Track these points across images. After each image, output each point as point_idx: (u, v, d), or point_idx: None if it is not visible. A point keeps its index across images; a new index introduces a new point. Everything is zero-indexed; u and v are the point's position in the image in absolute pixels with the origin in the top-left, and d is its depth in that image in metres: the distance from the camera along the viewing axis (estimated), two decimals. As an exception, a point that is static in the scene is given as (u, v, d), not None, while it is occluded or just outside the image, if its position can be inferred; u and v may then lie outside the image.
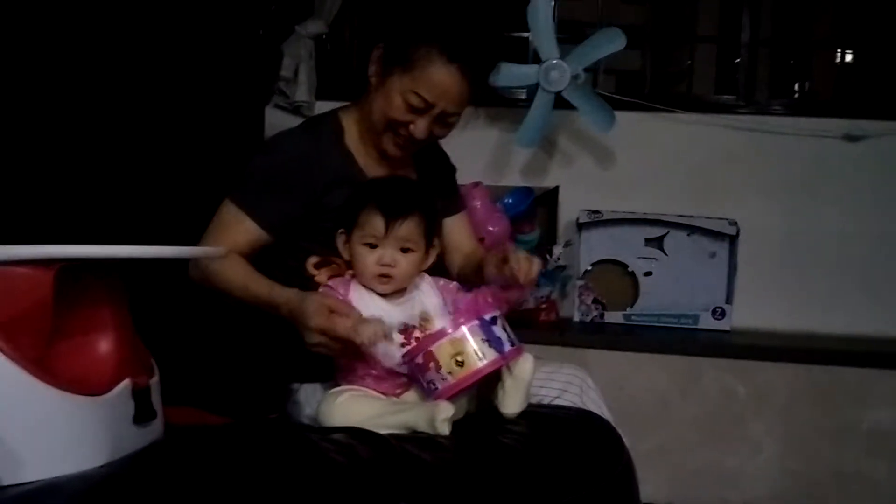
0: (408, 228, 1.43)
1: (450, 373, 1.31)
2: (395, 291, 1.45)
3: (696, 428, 2.47)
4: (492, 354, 1.33)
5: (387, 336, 1.34)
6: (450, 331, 1.33)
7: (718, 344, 2.56)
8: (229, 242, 1.53)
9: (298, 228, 1.59)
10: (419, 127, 1.57)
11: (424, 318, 1.44)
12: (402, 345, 1.40)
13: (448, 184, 1.85)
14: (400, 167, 1.70)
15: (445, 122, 1.60)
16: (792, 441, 2.45)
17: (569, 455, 1.39)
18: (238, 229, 1.56)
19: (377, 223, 1.42)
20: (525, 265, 1.49)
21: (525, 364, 1.38)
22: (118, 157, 2.12)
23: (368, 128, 1.63)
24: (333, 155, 1.63)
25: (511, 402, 1.40)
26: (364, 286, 1.45)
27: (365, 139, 1.66)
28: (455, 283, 1.55)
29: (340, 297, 1.42)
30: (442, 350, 1.32)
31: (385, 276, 1.43)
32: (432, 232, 1.49)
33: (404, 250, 1.44)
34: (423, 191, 1.55)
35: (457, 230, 1.81)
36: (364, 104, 1.64)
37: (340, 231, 1.48)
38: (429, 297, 1.48)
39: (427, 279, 1.51)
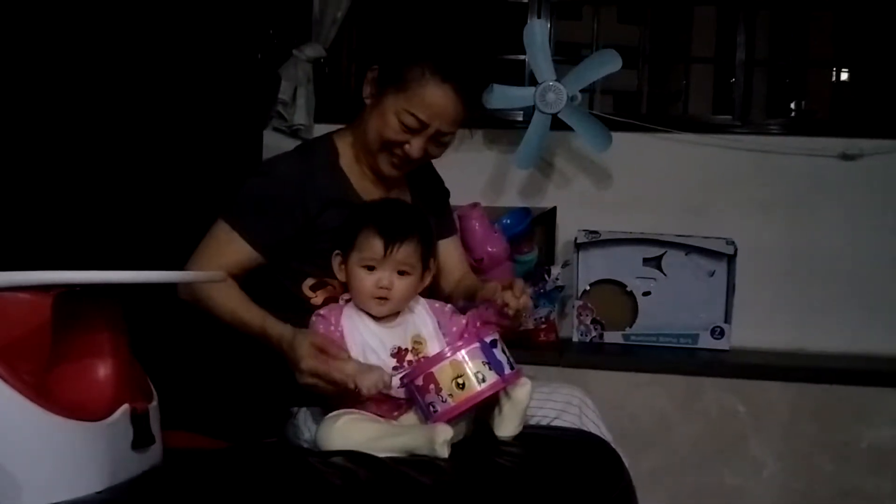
0: (406, 252, 1.44)
1: (450, 395, 1.32)
2: (389, 314, 1.46)
3: (697, 447, 2.47)
4: (492, 377, 1.34)
5: (386, 385, 1.34)
6: (450, 353, 1.33)
7: (718, 363, 2.55)
8: (221, 262, 1.53)
9: (293, 250, 1.60)
10: (414, 146, 1.58)
11: (417, 342, 1.44)
12: (395, 368, 1.41)
13: (441, 206, 1.86)
14: (395, 188, 1.71)
15: (440, 141, 1.61)
16: (793, 459, 2.44)
17: (568, 476, 1.39)
18: (230, 249, 1.56)
19: (376, 246, 1.43)
20: (522, 301, 1.50)
21: (523, 388, 1.39)
22: (116, 180, 2.12)
23: (364, 149, 1.65)
24: (328, 177, 1.64)
25: (507, 426, 1.40)
26: (358, 308, 1.46)
27: (360, 161, 1.67)
28: (450, 305, 1.55)
29: (332, 329, 1.42)
30: (443, 372, 1.32)
31: (382, 299, 1.43)
32: (428, 255, 1.50)
33: (401, 273, 1.44)
34: (421, 214, 1.56)
35: (449, 254, 1.82)
36: (359, 126, 1.65)
37: (336, 253, 1.49)
38: (423, 319, 1.48)
39: (421, 302, 1.51)
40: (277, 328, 1.45)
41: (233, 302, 1.51)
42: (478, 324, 1.45)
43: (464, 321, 1.48)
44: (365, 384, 1.32)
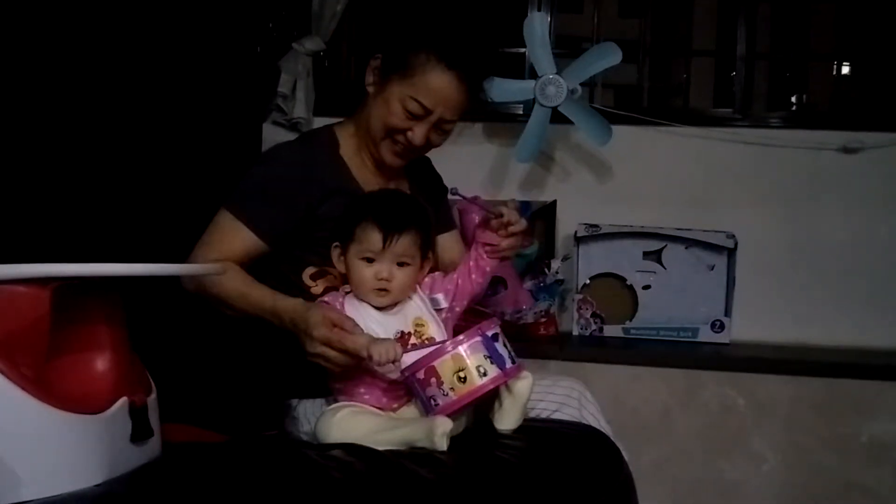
0: (405, 243, 1.44)
1: (451, 389, 1.32)
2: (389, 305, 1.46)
3: (697, 441, 2.47)
4: (494, 371, 1.34)
5: (397, 356, 1.34)
6: (451, 347, 1.33)
7: (718, 357, 2.55)
8: (225, 250, 1.53)
9: (294, 238, 1.60)
10: (417, 133, 1.59)
11: (419, 324, 1.45)
12: None
13: (440, 201, 1.86)
14: (395, 179, 1.71)
15: (442, 128, 1.62)
16: (793, 453, 2.44)
17: (568, 470, 1.39)
18: (234, 237, 1.56)
19: (375, 238, 1.42)
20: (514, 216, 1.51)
21: (524, 382, 1.39)
22: (115, 173, 2.12)
23: (366, 137, 1.65)
24: (329, 166, 1.64)
25: (507, 420, 1.41)
26: (359, 299, 1.45)
27: (361, 151, 1.68)
28: (438, 272, 1.56)
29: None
30: (444, 366, 1.32)
31: (382, 290, 1.43)
32: (428, 244, 1.51)
33: (400, 264, 1.44)
34: (419, 205, 1.56)
35: (448, 248, 1.83)
36: (360, 116, 1.66)
37: (335, 245, 1.49)
38: (417, 304, 1.49)
39: (417, 290, 1.51)
40: (289, 302, 1.46)
41: (240, 284, 1.51)
42: (482, 254, 1.51)
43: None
44: (377, 352, 1.32)
